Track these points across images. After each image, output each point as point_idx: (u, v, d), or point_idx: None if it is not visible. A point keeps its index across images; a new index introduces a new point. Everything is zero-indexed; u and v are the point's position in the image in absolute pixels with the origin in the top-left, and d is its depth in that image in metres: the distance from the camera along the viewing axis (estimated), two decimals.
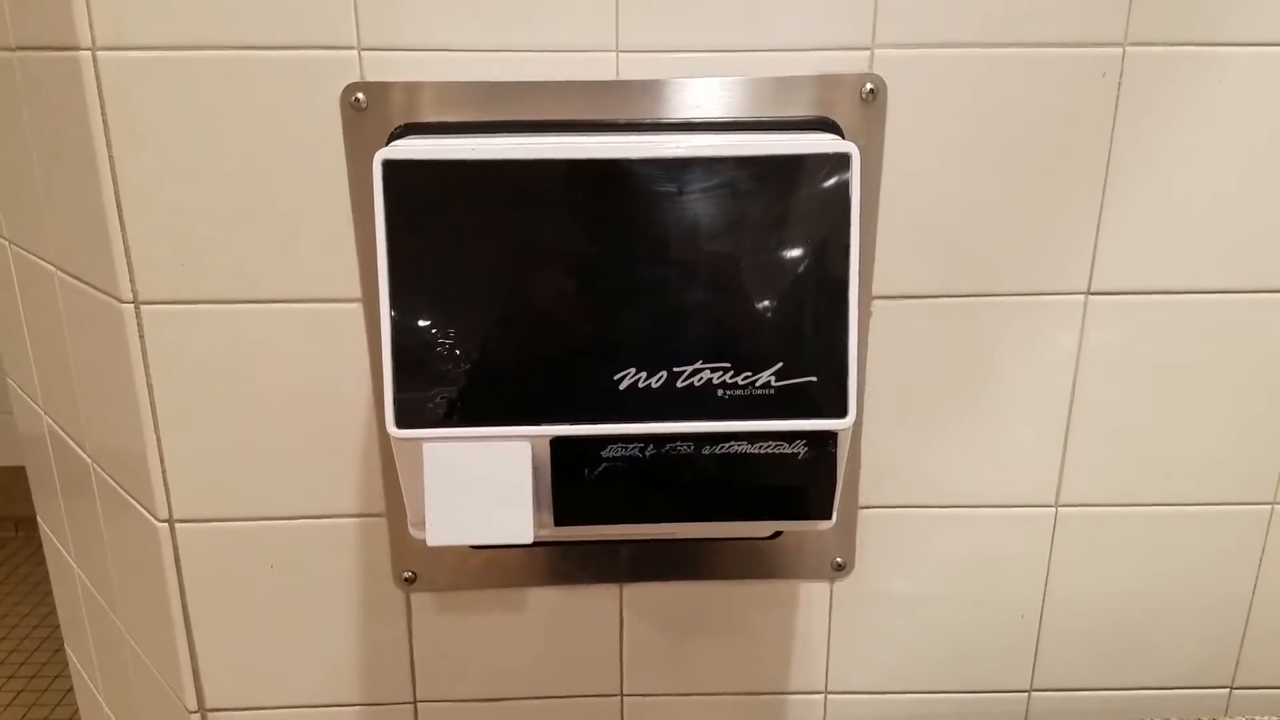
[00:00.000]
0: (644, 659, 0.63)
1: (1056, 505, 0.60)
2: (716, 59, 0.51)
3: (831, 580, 0.61)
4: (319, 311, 0.55)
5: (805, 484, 0.47)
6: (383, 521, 0.59)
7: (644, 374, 0.46)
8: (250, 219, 0.53)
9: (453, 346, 0.46)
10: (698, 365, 0.46)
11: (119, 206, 0.53)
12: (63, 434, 0.70)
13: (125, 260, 0.54)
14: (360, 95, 0.51)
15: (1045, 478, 0.60)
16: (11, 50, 0.57)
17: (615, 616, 0.61)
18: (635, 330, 0.46)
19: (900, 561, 0.61)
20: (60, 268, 0.61)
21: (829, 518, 0.48)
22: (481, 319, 0.46)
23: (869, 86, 0.52)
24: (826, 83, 0.51)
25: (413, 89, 0.51)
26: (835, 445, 0.46)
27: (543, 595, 0.61)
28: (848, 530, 0.59)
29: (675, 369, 0.46)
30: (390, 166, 0.46)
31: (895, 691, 0.64)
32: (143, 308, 0.55)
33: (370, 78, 0.51)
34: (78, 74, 0.51)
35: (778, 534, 0.59)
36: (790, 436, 0.46)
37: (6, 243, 0.70)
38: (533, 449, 0.46)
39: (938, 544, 0.61)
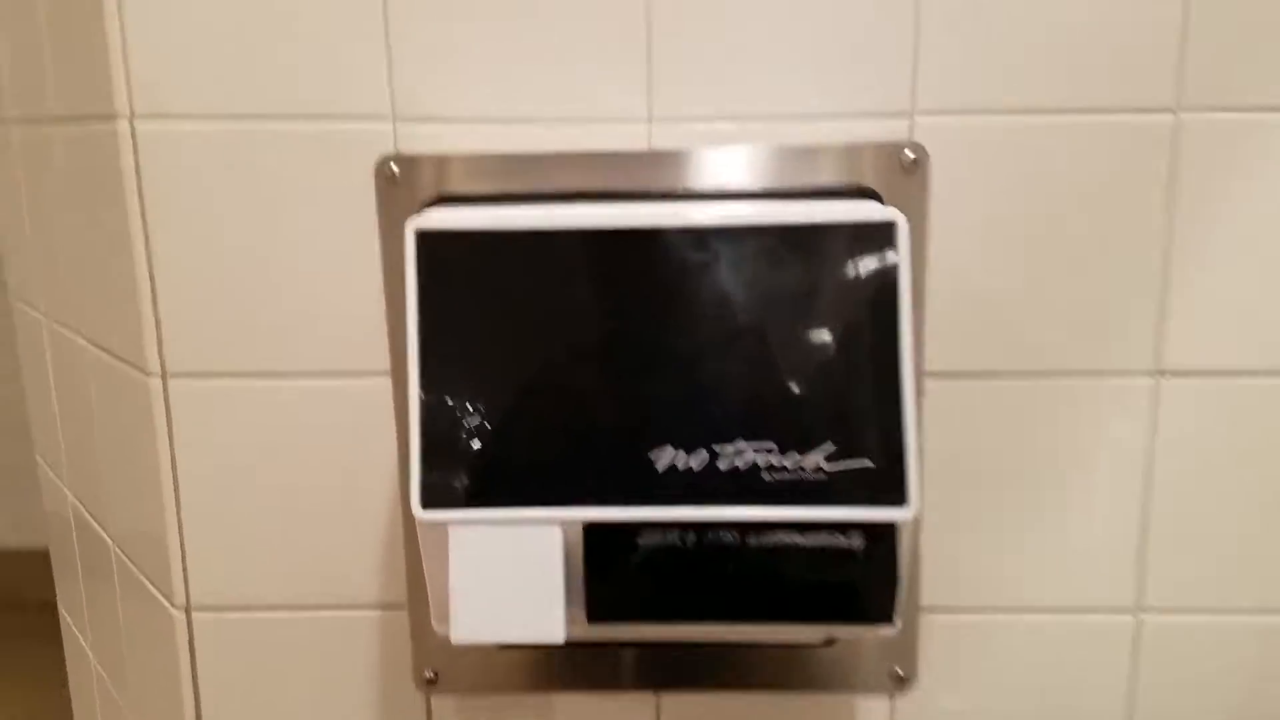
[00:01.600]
0: None
1: (1136, 611, 0.55)
2: (752, 127, 0.50)
3: (891, 694, 0.55)
4: (347, 387, 0.53)
5: (863, 582, 0.42)
6: (404, 615, 0.55)
7: (682, 453, 0.42)
8: (281, 290, 0.52)
9: (483, 423, 0.43)
10: (739, 444, 0.42)
11: (151, 275, 0.52)
12: (86, 514, 0.68)
13: (155, 331, 0.52)
14: (394, 166, 0.50)
15: (1121, 578, 0.54)
16: (53, 123, 0.58)
17: None
18: (672, 406, 0.43)
19: (967, 673, 0.55)
20: (92, 341, 0.60)
21: (890, 621, 0.43)
22: (514, 394, 0.43)
23: (910, 154, 0.49)
24: (865, 151, 0.50)
25: (446, 161, 0.50)
26: (896, 538, 0.42)
27: (573, 702, 0.56)
28: (909, 637, 0.54)
29: (715, 447, 0.42)
30: (423, 237, 0.45)
31: None
32: (170, 380, 0.53)
33: (404, 148, 0.50)
34: (114, 142, 0.51)
35: (832, 640, 0.54)
36: (845, 527, 0.42)
37: (43, 318, 0.70)
38: (564, 535, 0.43)
39: (1009, 653, 0.55)
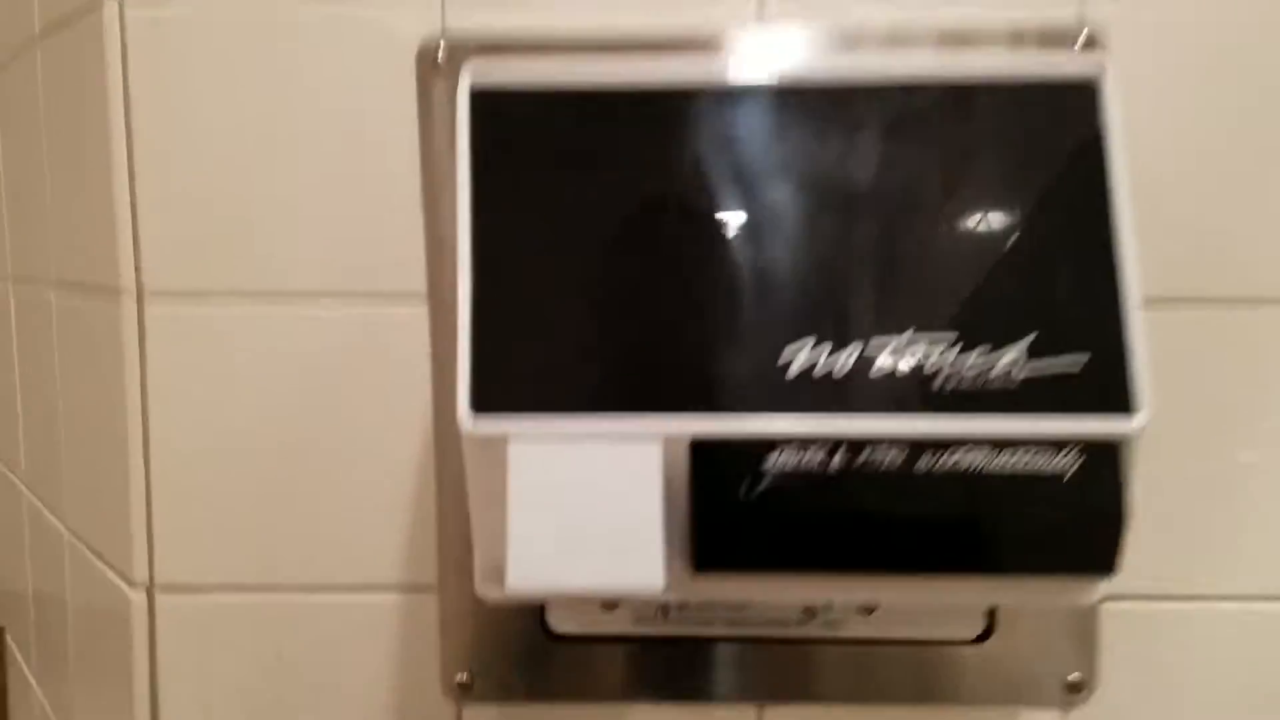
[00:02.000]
0: None
1: None
2: (892, 7, 0.41)
3: (1064, 708, 0.43)
4: (369, 314, 0.42)
5: (1077, 517, 0.31)
6: (432, 599, 0.43)
7: (826, 348, 0.32)
8: (288, 195, 0.42)
9: (556, 307, 0.32)
10: (909, 336, 0.31)
11: (131, 173, 0.42)
12: (40, 506, 0.57)
13: (131, 239, 0.42)
14: (441, 49, 0.41)
15: None
16: (35, 39, 0.50)
17: None
18: (814, 287, 0.32)
19: (1161, 678, 0.43)
20: (61, 279, 0.50)
21: (1112, 570, 0.32)
22: (594, 273, 0.33)
23: (1085, 33, 0.40)
24: (1030, 36, 0.40)
25: (510, 45, 0.41)
26: (1119, 458, 0.31)
27: (648, 714, 0.43)
28: (1086, 631, 0.42)
29: (874, 340, 0.31)
30: (481, 97, 0.35)
31: None
32: (147, 302, 0.42)
33: (454, 29, 0.41)
34: (99, 32, 0.42)
35: (987, 633, 0.42)
36: (1056, 444, 0.31)
37: (9, 282, 0.59)
38: (664, 455, 0.32)
39: (1215, 652, 0.43)
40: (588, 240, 0.33)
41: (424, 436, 0.42)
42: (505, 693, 0.43)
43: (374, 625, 0.43)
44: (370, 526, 0.43)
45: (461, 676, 0.43)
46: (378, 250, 0.42)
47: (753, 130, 0.34)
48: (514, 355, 0.32)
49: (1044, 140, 0.33)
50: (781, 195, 0.33)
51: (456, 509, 0.41)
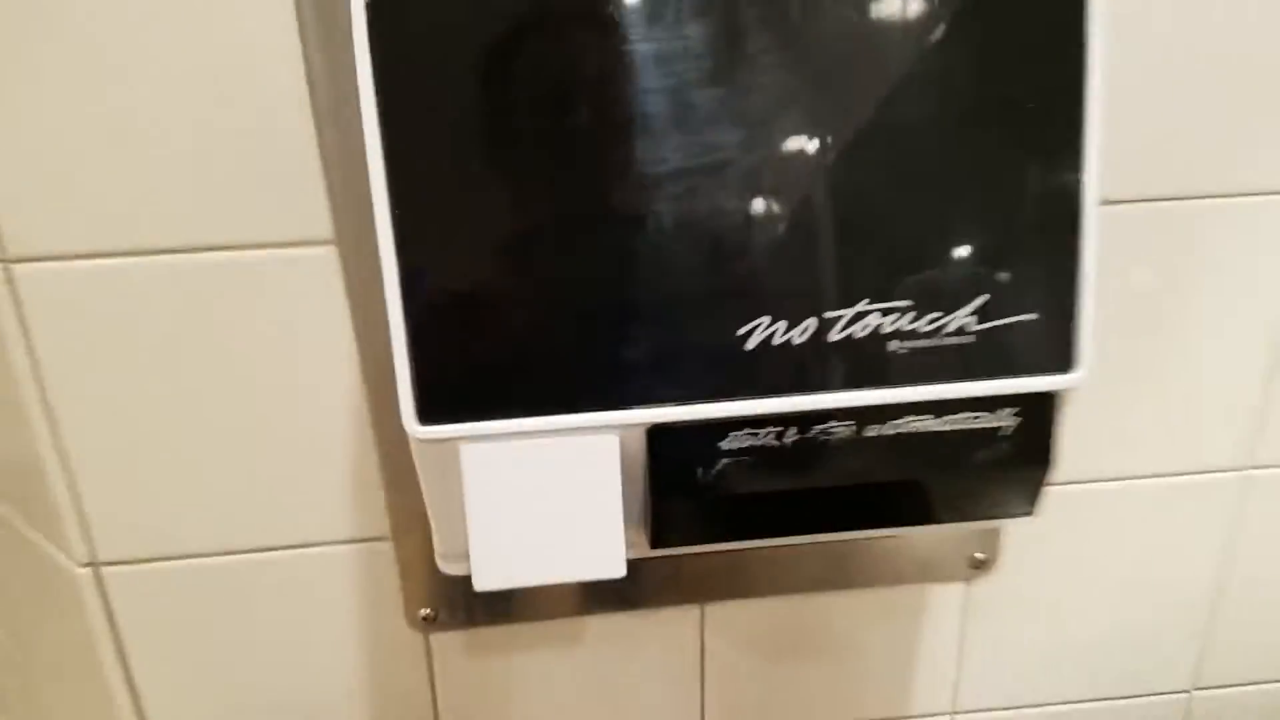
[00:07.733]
0: (732, 692, 0.49)
1: (1248, 468, 0.48)
2: None
3: (968, 580, 0.48)
4: (277, 260, 0.39)
5: (1008, 469, 0.33)
6: (387, 547, 0.43)
7: (781, 325, 0.31)
8: (175, 137, 0.36)
9: (497, 295, 0.30)
10: (863, 307, 0.31)
11: None
12: None
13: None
14: None
15: (1237, 434, 0.47)
16: None
17: (695, 644, 0.47)
18: (768, 262, 0.31)
19: (1053, 551, 0.48)
20: None
21: (1031, 512, 0.34)
22: (538, 251, 0.31)
23: None
24: None
25: None
26: (1053, 411, 0.32)
27: (604, 622, 0.46)
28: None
29: (829, 315, 0.31)
30: (378, 8, 0.29)
31: (1034, 704, 0.52)
32: (15, 269, 0.38)
33: None
34: None
35: None
36: (994, 403, 0.32)
37: None
38: (620, 444, 0.31)
39: (1100, 524, 0.48)
40: (525, 207, 0.30)
41: (351, 381, 0.41)
42: (468, 619, 0.44)
43: (333, 576, 0.43)
44: (313, 481, 0.42)
45: (425, 611, 0.44)
46: (273, 199, 0.38)
47: (686, 41, 0.30)
48: (457, 354, 0.30)
49: (1016, 61, 0.31)
50: (735, 149, 0.30)
51: (399, 454, 0.40)
